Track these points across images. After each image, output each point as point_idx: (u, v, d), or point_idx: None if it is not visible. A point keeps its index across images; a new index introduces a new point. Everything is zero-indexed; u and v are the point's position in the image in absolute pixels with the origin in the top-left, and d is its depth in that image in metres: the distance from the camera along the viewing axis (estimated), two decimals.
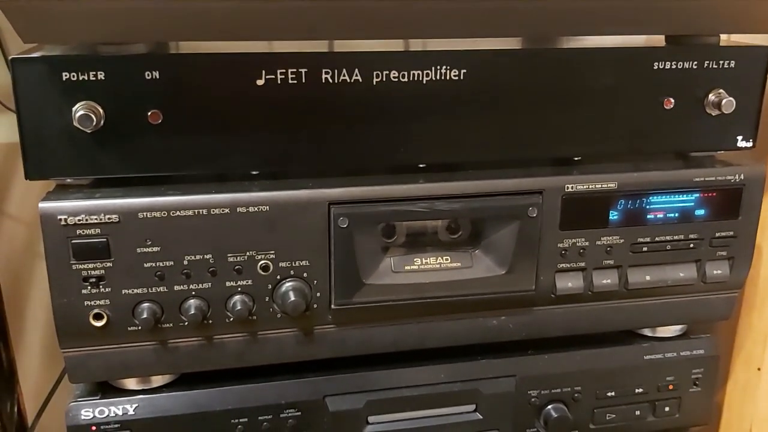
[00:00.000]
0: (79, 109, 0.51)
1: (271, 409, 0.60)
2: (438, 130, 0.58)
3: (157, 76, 0.52)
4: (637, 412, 0.68)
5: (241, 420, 0.59)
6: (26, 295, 0.87)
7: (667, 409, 0.68)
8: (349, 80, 0.55)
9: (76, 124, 0.51)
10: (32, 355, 0.90)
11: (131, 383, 0.59)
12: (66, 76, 0.51)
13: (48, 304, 0.86)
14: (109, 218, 0.52)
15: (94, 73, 0.51)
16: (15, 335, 0.84)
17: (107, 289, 0.53)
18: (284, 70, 0.53)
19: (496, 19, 0.55)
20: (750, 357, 0.77)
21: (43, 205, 0.52)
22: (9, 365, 0.78)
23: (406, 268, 0.59)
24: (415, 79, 0.56)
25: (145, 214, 0.53)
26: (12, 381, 0.79)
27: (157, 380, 0.59)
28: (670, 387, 0.68)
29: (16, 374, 0.80)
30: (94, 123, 0.51)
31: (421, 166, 0.59)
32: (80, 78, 0.51)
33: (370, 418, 0.62)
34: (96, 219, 0.52)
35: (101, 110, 0.52)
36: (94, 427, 0.57)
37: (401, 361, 0.63)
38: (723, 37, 0.63)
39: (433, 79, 0.56)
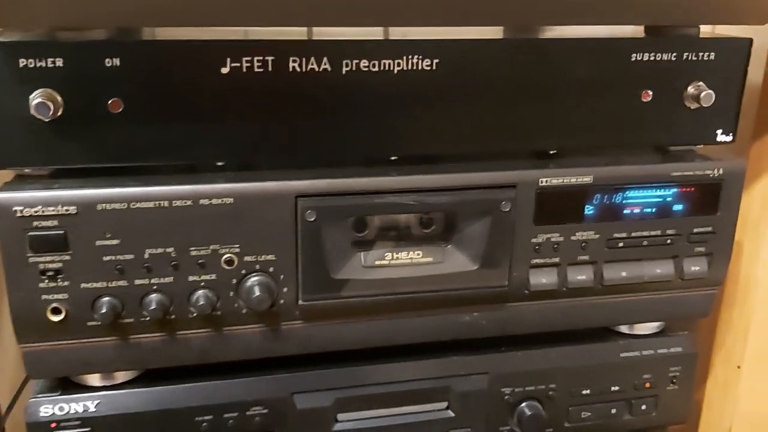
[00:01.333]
0: (36, 97, 0.49)
1: (237, 407, 0.58)
2: (410, 122, 0.56)
3: (118, 64, 0.50)
4: (613, 411, 0.66)
5: (206, 418, 0.58)
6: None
7: (643, 407, 0.67)
8: (317, 69, 0.53)
9: (33, 112, 0.49)
10: (6, 351, 0.88)
11: (93, 379, 0.57)
12: (23, 62, 0.49)
13: None
14: (66, 210, 0.50)
15: (52, 59, 0.49)
16: None
17: (65, 283, 0.52)
18: (250, 58, 0.52)
19: (475, 7, 0.53)
20: (730, 355, 0.76)
21: None
22: None
23: (376, 263, 0.58)
24: (386, 68, 0.54)
25: (104, 205, 0.51)
26: None
27: (120, 376, 0.58)
28: (647, 385, 0.67)
29: None
30: (52, 111, 0.49)
31: (392, 158, 0.58)
32: (37, 65, 0.49)
33: (339, 416, 0.61)
34: (53, 210, 0.50)
35: (59, 98, 0.50)
36: (53, 424, 0.56)
37: (371, 357, 0.61)
38: (707, 29, 0.62)
39: (405, 69, 0.54)
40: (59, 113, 0.50)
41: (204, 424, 0.58)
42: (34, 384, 0.58)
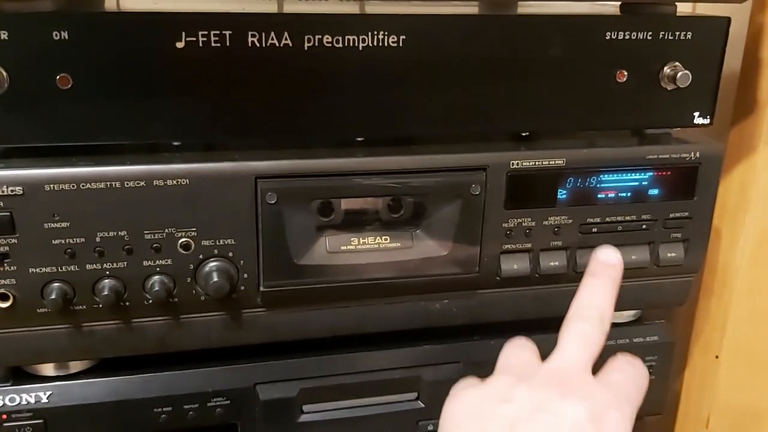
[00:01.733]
0: None
1: (197, 398, 0.56)
2: (377, 102, 0.54)
3: (66, 37, 0.48)
4: None
5: (164, 409, 0.56)
6: None
7: None
8: (278, 44, 0.51)
9: None
10: None
11: (47, 369, 0.55)
12: None
13: None
14: (12, 190, 0.48)
15: None
16: None
17: (12, 268, 0.49)
18: (206, 32, 0.49)
19: None
20: (708, 344, 0.75)
21: None
22: None
23: (342, 248, 0.56)
24: (351, 44, 0.52)
25: (52, 186, 0.48)
26: None
27: (75, 366, 0.56)
28: None
29: None
30: None
31: (359, 139, 0.56)
32: None
33: (305, 407, 0.59)
34: None
35: (5, 73, 0.47)
36: (4, 416, 0.53)
37: (337, 346, 0.59)
38: (681, 6, 0.60)
39: (370, 45, 0.52)
40: (5, 88, 0.47)
41: (163, 415, 0.56)
42: None
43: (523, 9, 0.64)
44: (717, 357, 0.74)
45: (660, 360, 0.66)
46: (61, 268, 0.50)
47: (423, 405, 0.61)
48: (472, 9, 0.63)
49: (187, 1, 0.56)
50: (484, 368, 0.61)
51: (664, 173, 0.59)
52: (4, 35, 0.47)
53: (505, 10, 0.62)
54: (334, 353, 0.59)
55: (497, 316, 0.61)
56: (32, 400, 0.54)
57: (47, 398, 0.54)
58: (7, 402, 0.54)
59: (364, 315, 0.58)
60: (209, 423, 0.57)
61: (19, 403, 0.54)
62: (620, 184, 0.58)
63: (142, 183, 0.50)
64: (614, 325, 0.64)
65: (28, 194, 0.48)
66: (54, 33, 0.48)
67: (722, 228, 0.71)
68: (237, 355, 0.58)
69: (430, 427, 0.61)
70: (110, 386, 0.55)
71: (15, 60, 0.48)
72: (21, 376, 0.55)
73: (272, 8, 0.55)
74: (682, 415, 0.79)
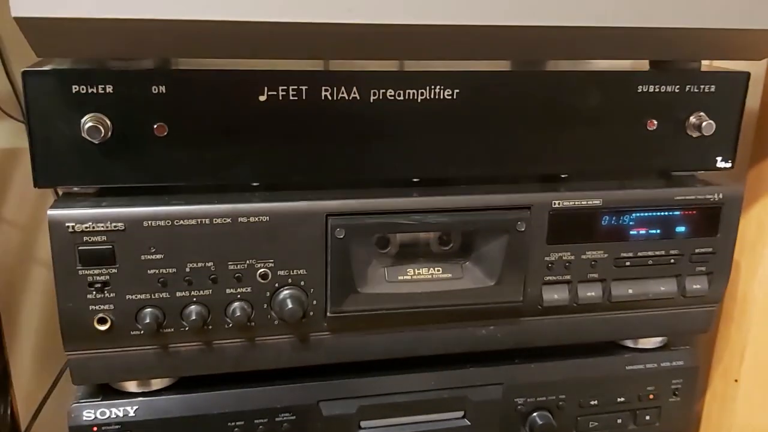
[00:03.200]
0: (87, 121, 0.53)
1: (266, 413, 0.62)
2: (431, 146, 0.60)
3: (164, 90, 0.54)
4: (619, 421, 0.70)
5: (237, 423, 0.61)
6: (20, 300, 0.89)
7: (647, 417, 0.71)
8: (347, 97, 0.57)
9: (84, 135, 0.53)
10: (25, 361, 0.91)
11: (131, 386, 0.61)
12: (75, 88, 0.53)
13: (42, 310, 0.89)
14: (115, 226, 0.54)
15: (103, 86, 0.53)
16: (9, 340, 0.85)
17: (112, 295, 0.55)
18: (286, 87, 0.56)
19: (487, 43, 0.57)
20: (728, 369, 0.80)
21: (51, 212, 0.53)
22: (3, 369, 0.80)
23: (399, 278, 0.61)
24: (411, 97, 0.58)
25: (149, 222, 0.55)
26: (6, 385, 0.80)
27: (157, 383, 0.61)
28: (651, 396, 0.70)
29: (10, 378, 0.81)
30: (102, 134, 0.53)
31: (414, 180, 0.62)
32: (89, 91, 0.53)
33: (362, 423, 0.64)
34: (102, 227, 0.54)
35: (109, 122, 0.54)
36: (95, 428, 0.59)
37: (393, 368, 0.65)
38: (705, 62, 0.66)
39: (428, 97, 0.58)
40: (108, 136, 0.54)
41: (235, 429, 0.61)
42: (75, 389, 0.61)
43: (552, 65, 0.70)
44: (736, 381, 0.79)
45: (685, 383, 0.71)
46: (155, 295, 0.56)
47: (469, 423, 0.66)
48: (504, 65, 0.69)
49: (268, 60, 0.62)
50: (524, 390, 0.67)
51: (690, 212, 0.65)
52: (110, 89, 0.53)
53: (536, 66, 0.68)
54: (390, 374, 0.65)
55: (538, 341, 0.66)
56: (120, 414, 0.59)
57: (134, 412, 0.60)
58: (98, 415, 0.59)
59: (417, 339, 0.64)
60: None
61: (109, 417, 0.59)
62: (651, 222, 0.64)
63: (228, 220, 0.56)
64: (644, 351, 0.70)
65: (128, 229, 0.54)
66: (153, 87, 0.54)
67: (741, 261, 0.76)
68: (302, 375, 0.63)
69: None
70: (189, 402, 0.61)
71: (118, 110, 0.54)
72: (108, 392, 0.61)
73: (341, 66, 0.61)
74: None
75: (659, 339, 0.72)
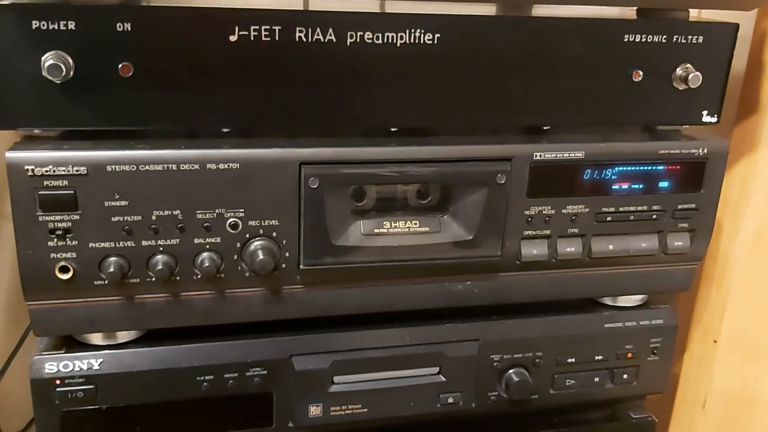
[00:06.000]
0: (48, 59, 0.50)
1: (237, 368, 0.60)
2: (410, 94, 0.58)
3: (129, 28, 0.51)
4: (596, 379, 0.69)
5: (206, 377, 0.60)
6: None
7: (625, 376, 0.70)
8: (323, 40, 0.55)
9: (45, 74, 0.50)
10: None
11: (96, 338, 0.59)
12: (35, 24, 0.50)
13: (12, 266, 0.86)
14: (77, 170, 0.52)
15: (65, 22, 0.50)
16: None
17: (74, 242, 0.53)
18: (258, 27, 0.53)
19: None
20: (707, 329, 0.80)
21: (10, 154, 0.51)
22: None
23: (375, 231, 0.60)
24: (390, 41, 0.56)
25: (113, 167, 0.52)
26: None
27: (123, 336, 0.59)
28: (629, 355, 0.69)
29: None
30: (64, 73, 0.50)
31: (392, 129, 0.60)
32: (50, 27, 0.50)
33: (336, 378, 0.63)
34: (64, 171, 0.51)
35: (71, 61, 0.51)
36: (58, 381, 0.57)
37: (367, 323, 0.63)
38: (693, 13, 0.64)
39: (407, 42, 0.56)
40: (70, 75, 0.51)
41: (205, 383, 0.60)
42: (37, 342, 0.59)
43: (538, 11, 0.68)
44: (715, 341, 0.79)
45: (664, 342, 0.71)
46: (119, 244, 0.54)
47: (444, 379, 0.65)
48: (489, 9, 0.67)
49: None
50: (500, 346, 0.66)
51: (674, 167, 0.63)
52: (72, 25, 0.51)
53: (521, 12, 0.66)
54: (364, 329, 0.63)
55: (516, 297, 0.65)
56: (84, 367, 0.58)
57: (98, 365, 0.58)
58: (60, 368, 0.57)
59: (392, 294, 0.62)
60: (247, 391, 0.61)
61: (72, 370, 0.57)
62: (633, 176, 0.62)
63: (196, 166, 0.54)
64: (623, 309, 0.69)
65: (91, 174, 0.52)
66: (118, 24, 0.51)
67: (723, 220, 0.76)
68: (274, 329, 0.61)
69: (450, 400, 0.65)
70: (157, 355, 0.59)
71: (81, 48, 0.51)
72: (73, 344, 0.59)
73: (318, 6, 0.58)
74: (680, 396, 0.84)
75: (639, 297, 0.71)
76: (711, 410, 0.81)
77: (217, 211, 0.55)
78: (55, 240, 0.53)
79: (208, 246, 0.56)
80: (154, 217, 0.54)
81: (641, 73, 0.61)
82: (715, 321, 0.78)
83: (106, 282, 0.54)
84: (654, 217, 0.64)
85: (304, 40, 0.54)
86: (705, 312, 0.80)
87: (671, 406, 0.85)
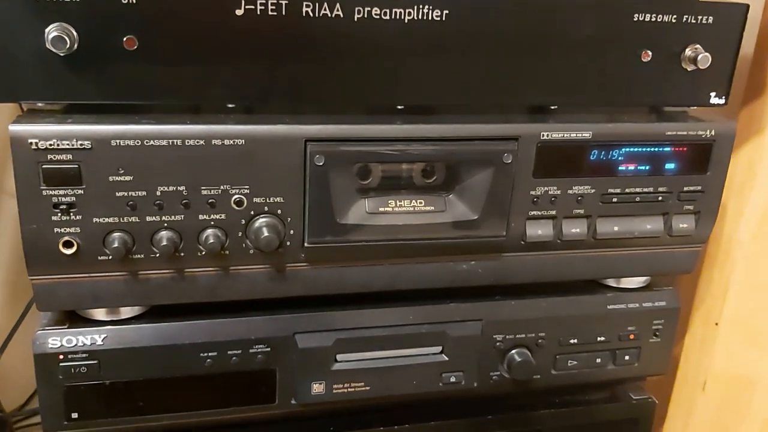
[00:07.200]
0: (52, 31, 0.50)
1: (240, 344, 0.60)
2: (417, 72, 0.57)
3: (134, 1, 0.51)
4: (598, 360, 0.69)
5: (210, 354, 0.60)
6: None
7: (627, 357, 0.70)
8: (330, 14, 0.54)
9: (48, 46, 0.50)
10: None
11: (100, 314, 0.59)
12: None
13: (12, 241, 0.86)
14: (81, 144, 0.51)
15: None
16: None
17: (78, 217, 0.53)
18: (264, 1, 0.52)
19: None
20: (709, 312, 0.80)
21: (13, 127, 0.50)
22: None
23: (380, 209, 0.59)
24: (397, 17, 0.55)
25: (118, 141, 0.52)
26: None
27: (126, 311, 0.59)
28: (631, 336, 0.70)
29: None
30: (68, 45, 0.50)
31: (399, 107, 0.59)
32: None
33: (339, 356, 0.63)
34: (68, 144, 0.51)
35: (75, 33, 0.50)
36: (61, 356, 0.57)
37: (371, 301, 0.63)
38: None
39: (415, 18, 0.55)
40: (74, 48, 0.50)
41: (208, 360, 0.60)
42: (40, 317, 0.59)
43: None
44: (717, 324, 0.79)
45: (666, 324, 0.71)
46: (123, 219, 0.54)
47: (447, 358, 0.65)
48: None
49: None
50: (503, 326, 0.66)
51: (680, 149, 0.63)
52: None
53: None
54: (368, 307, 0.63)
55: (520, 278, 0.65)
56: (88, 342, 0.57)
57: (102, 341, 0.58)
58: (64, 343, 0.57)
59: (396, 273, 0.62)
60: (250, 368, 0.61)
61: (75, 345, 0.57)
62: (640, 157, 0.62)
63: (202, 142, 0.53)
64: (626, 290, 0.69)
65: (95, 148, 0.51)
66: None
67: (728, 203, 0.75)
68: (278, 306, 0.61)
69: (453, 379, 0.66)
70: (160, 331, 0.59)
71: (85, 21, 0.50)
72: (76, 319, 0.59)
73: None
74: (681, 378, 0.84)
75: (642, 279, 0.71)
76: (711, 392, 0.81)
77: (222, 187, 0.55)
78: (59, 214, 0.52)
79: (212, 222, 0.55)
80: (158, 193, 0.54)
81: (650, 53, 0.61)
82: (717, 304, 0.78)
83: (110, 257, 0.54)
84: (660, 198, 0.64)
85: (311, 14, 0.54)
86: (707, 294, 0.80)
87: (671, 388, 0.85)
